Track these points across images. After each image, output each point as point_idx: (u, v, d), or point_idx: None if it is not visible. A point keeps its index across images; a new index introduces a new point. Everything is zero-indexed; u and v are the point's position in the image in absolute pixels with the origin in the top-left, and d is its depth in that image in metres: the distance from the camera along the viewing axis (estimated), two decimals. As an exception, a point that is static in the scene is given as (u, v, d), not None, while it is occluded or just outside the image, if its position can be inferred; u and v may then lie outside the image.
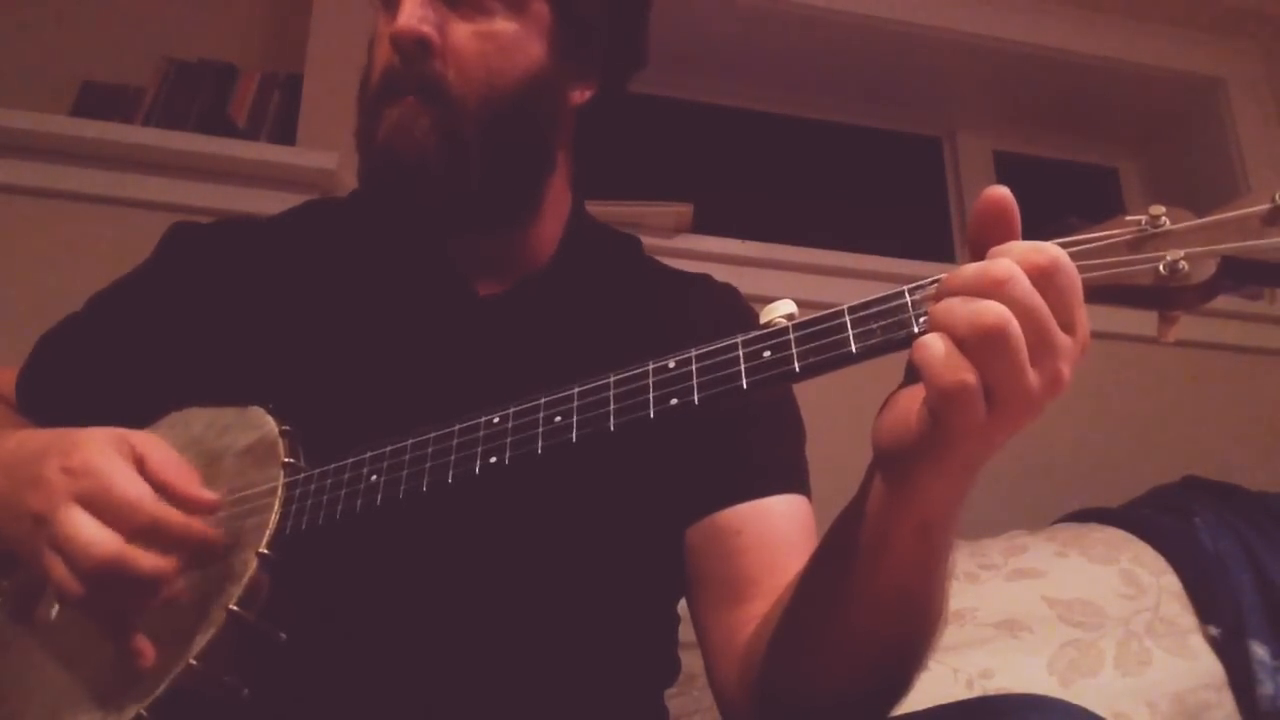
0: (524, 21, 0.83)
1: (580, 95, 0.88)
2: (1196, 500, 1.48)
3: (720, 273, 1.02)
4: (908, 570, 0.59)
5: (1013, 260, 0.49)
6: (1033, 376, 0.49)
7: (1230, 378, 2.07)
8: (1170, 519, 1.44)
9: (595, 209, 1.00)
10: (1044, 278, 0.49)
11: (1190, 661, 1.25)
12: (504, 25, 0.82)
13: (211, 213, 1.44)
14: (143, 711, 0.66)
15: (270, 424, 0.77)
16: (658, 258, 1.02)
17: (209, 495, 0.71)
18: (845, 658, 0.64)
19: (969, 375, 0.48)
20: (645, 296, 0.94)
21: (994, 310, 0.48)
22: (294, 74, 1.85)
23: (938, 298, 0.51)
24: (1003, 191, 0.52)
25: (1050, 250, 0.49)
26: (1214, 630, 1.28)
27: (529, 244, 0.91)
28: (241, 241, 0.95)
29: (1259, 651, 1.26)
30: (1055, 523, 1.56)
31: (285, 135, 1.80)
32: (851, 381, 0.69)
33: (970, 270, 0.50)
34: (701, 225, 1.90)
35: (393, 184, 0.83)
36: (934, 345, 0.49)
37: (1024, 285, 0.48)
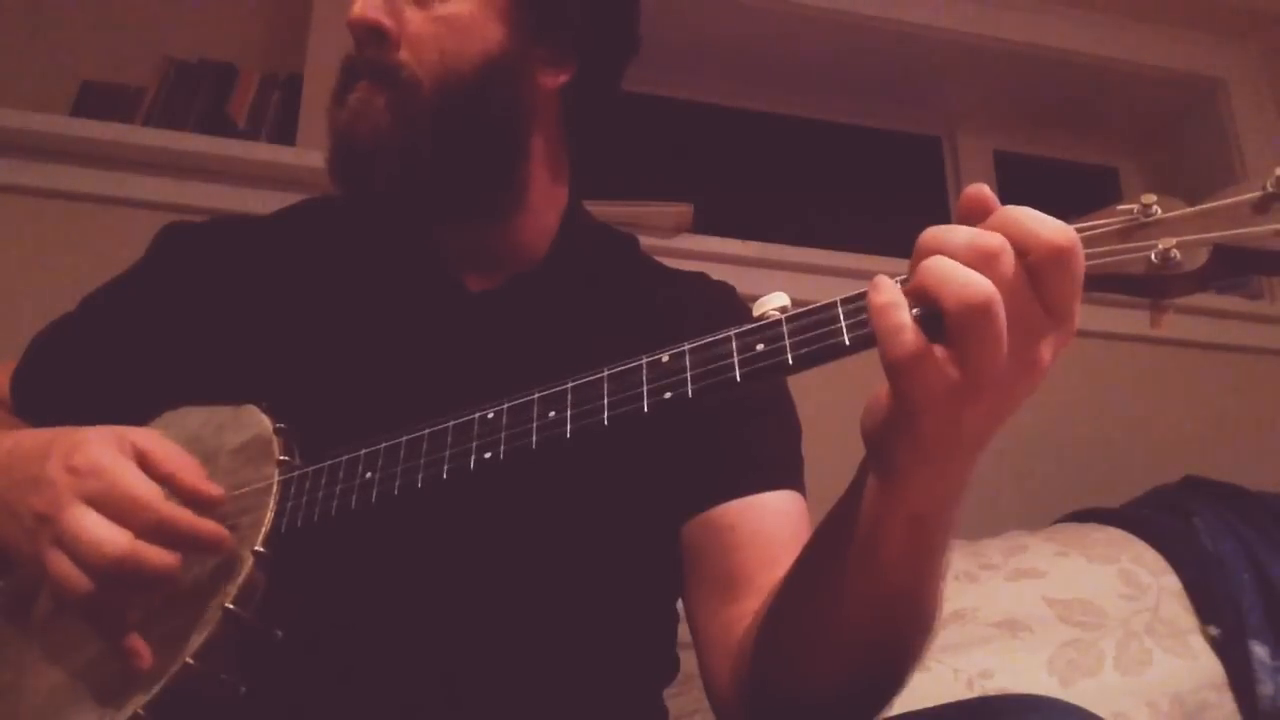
0: (481, 3, 0.83)
1: (554, 79, 0.87)
2: (1196, 500, 1.48)
3: (720, 273, 1.02)
4: (898, 566, 0.58)
5: (1032, 229, 0.48)
6: (1008, 356, 0.48)
7: (1230, 378, 2.07)
8: (1170, 519, 1.44)
9: (595, 209, 0.99)
10: (1060, 259, 0.48)
11: (1190, 661, 1.25)
12: (459, 7, 0.83)
13: (212, 213, 1.44)
14: (140, 710, 0.66)
15: (265, 422, 0.77)
16: (658, 257, 1.02)
17: (214, 489, 0.71)
18: (836, 654, 0.64)
19: (918, 345, 0.48)
20: (640, 294, 0.94)
21: (983, 287, 0.47)
22: (294, 74, 1.85)
23: (924, 254, 0.50)
24: (980, 188, 0.52)
25: (1071, 233, 0.49)
26: (1214, 630, 1.28)
27: (518, 237, 0.90)
28: (233, 241, 0.95)
29: (1259, 651, 1.26)
30: (1055, 523, 1.56)
31: (285, 135, 1.80)
32: (851, 379, 0.69)
33: (963, 235, 0.49)
34: (701, 225, 1.90)
35: (351, 168, 0.83)
36: (887, 316, 0.49)
37: (1012, 262, 0.48)
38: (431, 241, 0.91)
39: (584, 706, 0.81)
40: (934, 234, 0.51)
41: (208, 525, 0.68)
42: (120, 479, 0.67)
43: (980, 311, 0.47)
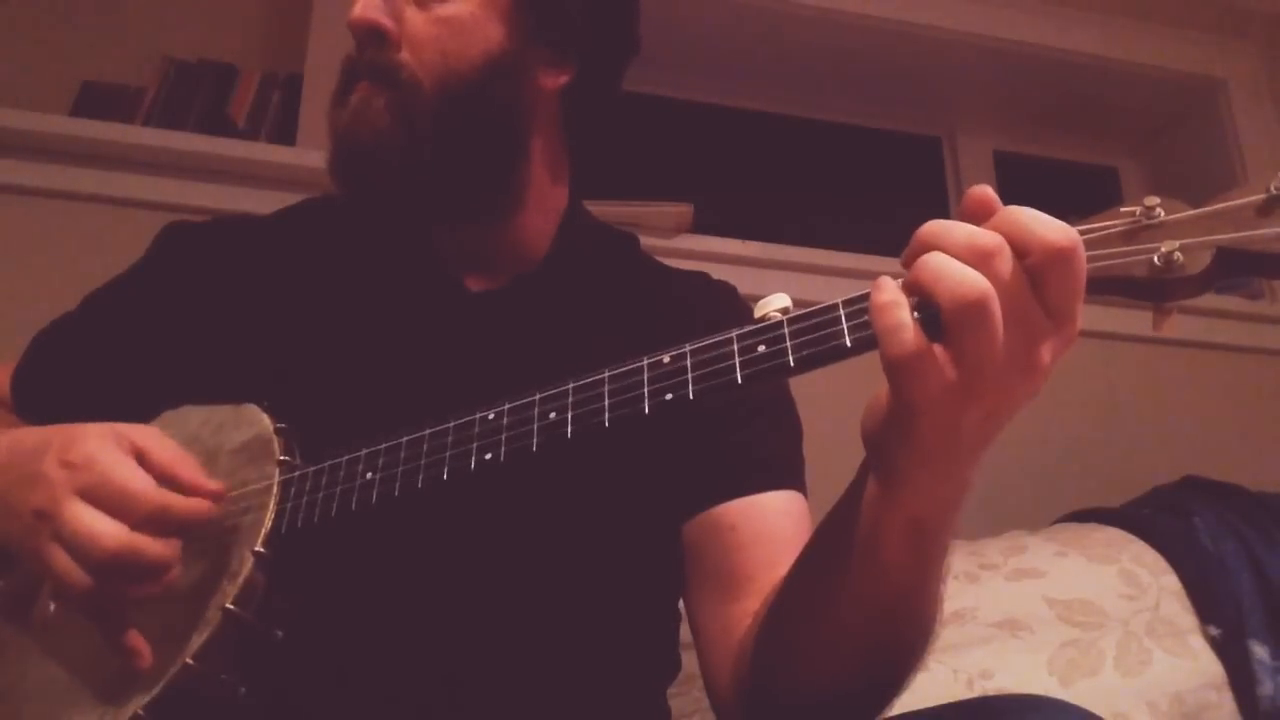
0: (482, 3, 0.83)
1: (554, 79, 0.87)
2: (1196, 500, 1.48)
3: (720, 273, 1.02)
4: (898, 569, 0.58)
5: (1032, 229, 0.48)
6: (1007, 358, 0.48)
7: (1230, 378, 2.07)
8: (1170, 519, 1.44)
9: (595, 209, 0.99)
10: (1061, 260, 0.48)
11: (1190, 661, 1.25)
12: (459, 8, 0.83)
13: (211, 213, 1.44)
14: (140, 711, 0.66)
15: (265, 421, 0.77)
16: (658, 257, 1.02)
17: (213, 483, 0.71)
18: (835, 654, 0.64)
19: (917, 344, 0.48)
20: (641, 294, 0.94)
21: (978, 285, 0.47)
22: (294, 74, 1.85)
23: (922, 248, 0.50)
24: (984, 189, 0.52)
25: (1072, 234, 0.48)
26: (1214, 630, 1.28)
27: (517, 237, 0.90)
28: (235, 240, 0.95)
29: (1259, 651, 1.26)
30: (1055, 523, 1.56)
31: (285, 135, 1.80)
32: (852, 380, 0.69)
33: (962, 232, 0.49)
34: (701, 225, 1.90)
35: (352, 168, 0.84)
36: (887, 315, 0.49)
37: (1010, 261, 0.48)
38: (431, 242, 0.91)
39: (586, 706, 0.81)
40: (932, 229, 0.50)
41: (201, 507, 0.69)
42: (113, 472, 0.67)
43: (976, 309, 0.47)
